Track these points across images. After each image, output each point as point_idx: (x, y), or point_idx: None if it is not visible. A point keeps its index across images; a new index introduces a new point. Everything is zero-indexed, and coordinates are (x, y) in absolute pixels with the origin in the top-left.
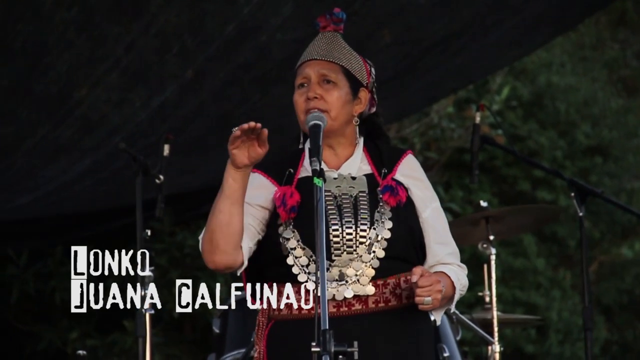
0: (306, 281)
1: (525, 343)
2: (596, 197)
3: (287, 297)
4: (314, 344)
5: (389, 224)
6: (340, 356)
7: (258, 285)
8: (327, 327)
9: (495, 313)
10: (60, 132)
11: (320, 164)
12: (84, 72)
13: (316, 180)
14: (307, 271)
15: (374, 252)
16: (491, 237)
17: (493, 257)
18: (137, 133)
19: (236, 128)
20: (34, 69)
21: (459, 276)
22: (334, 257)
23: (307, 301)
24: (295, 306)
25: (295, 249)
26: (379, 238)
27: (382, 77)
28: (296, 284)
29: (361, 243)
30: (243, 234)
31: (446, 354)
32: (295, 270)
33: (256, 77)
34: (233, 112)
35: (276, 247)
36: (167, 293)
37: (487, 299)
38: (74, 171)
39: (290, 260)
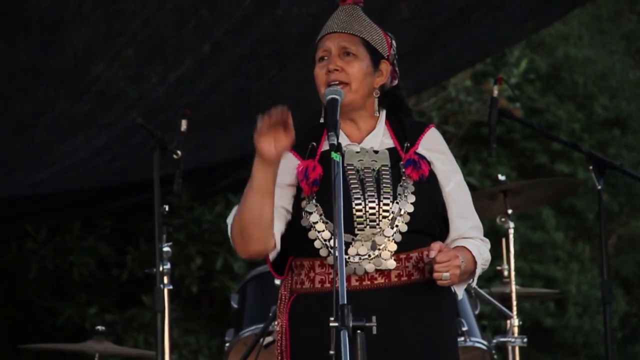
0: (328, 255)
1: (544, 316)
2: (615, 170)
3: (310, 271)
4: (332, 318)
5: (412, 198)
6: (359, 331)
7: (281, 259)
8: (346, 302)
9: (513, 287)
10: (77, 108)
11: (337, 139)
12: (100, 47)
13: (334, 154)
14: (329, 245)
15: (396, 226)
16: (509, 211)
17: (511, 231)
18: (154, 108)
19: (261, 118)
20: (51, 44)
21: (481, 250)
22: (357, 232)
23: (329, 275)
24: (317, 280)
25: (317, 222)
26: (402, 212)
27: (399, 50)
28: (319, 258)
29: (384, 217)
30: (274, 219)
31: (465, 328)
32: (317, 244)
33: (273, 51)
34: (250, 87)
35: (298, 221)
36: (186, 268)
37: (506, 273)
38: (92, 146)
39: (312, 235)
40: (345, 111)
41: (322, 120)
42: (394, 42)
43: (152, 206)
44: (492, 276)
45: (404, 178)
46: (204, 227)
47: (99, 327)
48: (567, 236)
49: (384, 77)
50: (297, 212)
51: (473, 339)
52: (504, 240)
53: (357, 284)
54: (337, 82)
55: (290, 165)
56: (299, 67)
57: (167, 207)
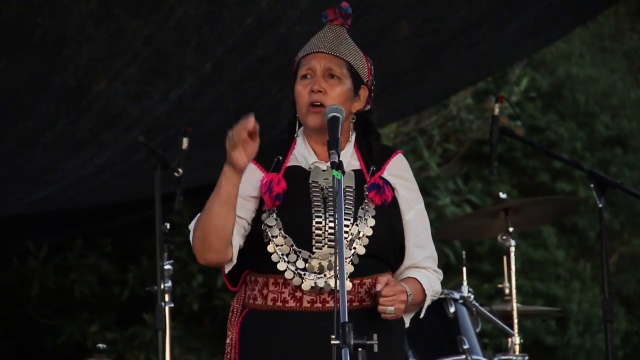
0: (285, 270)
1: (545, 335)
2: (616, 189)
3: (263, 288)
4: (333, 337)
5: (372, 222)
6: (360, 349)
7: (237, 271)
8: (347, 320)
9: (515, 305)
10: (79, 126)
11: (339, 157)
12: (103, 65)
13: (335, 172)
14: (287, 260)
15: (355, 248)
16: (511, 229)
17: (513, 249)
18: (156, 126)
19: (232, 131)
20: (53, 62)
21: (432, 283)
22: (314, 250)
23: (282, 294)
24: (270, 298)
25: (276, 237)
26: (361, 235)
27: (401, 69)
28: (273, 276)
29: (344, 238)
30: (234, 232)
31: (466, 346)
32: (274, 258)
33: (275, 69)
34: (252, 105)
35: (258, 234)
36: (187, 286)
37: (507, 291)
38: (94, 165)
39: (270, 248)
40: (321, 133)
41: (297, 135)
42: (372, 68)
43: (153, 224)
44: (494, 294)
45: (366, 201)
46: None
47: (101, 345)
48: (569, 254)
49: (362, 103)
50: (257, 225)
51: (474, 357)
52: (505, 258)
53: (309, 305)
54: (319, 104)
55: (253, 178)
56: None
57: (168, 226)
